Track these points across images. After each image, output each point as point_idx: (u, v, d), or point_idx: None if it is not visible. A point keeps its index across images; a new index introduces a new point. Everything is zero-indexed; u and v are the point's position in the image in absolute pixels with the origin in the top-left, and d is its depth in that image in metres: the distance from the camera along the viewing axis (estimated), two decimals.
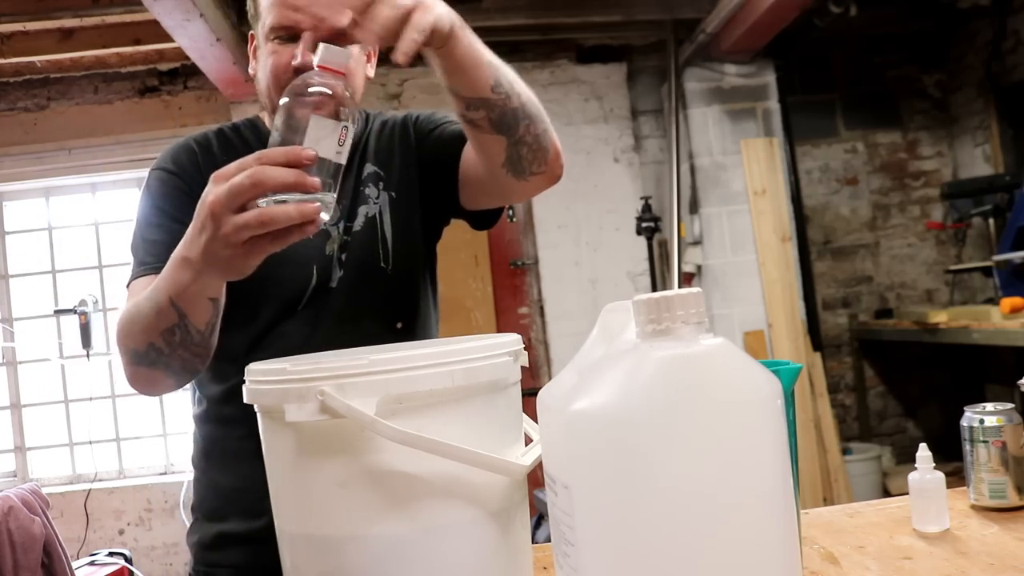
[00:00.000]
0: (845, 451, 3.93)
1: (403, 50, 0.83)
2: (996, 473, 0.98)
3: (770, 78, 4.01)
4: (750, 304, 3.90)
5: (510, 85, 0.99)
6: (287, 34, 1.06)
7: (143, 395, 1.06)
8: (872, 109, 4.54)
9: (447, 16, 0.88)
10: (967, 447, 1.01)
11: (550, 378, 1.07)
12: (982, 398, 1.00)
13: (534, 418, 0.71)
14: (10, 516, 1.69)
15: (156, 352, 0.94)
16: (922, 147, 4.62)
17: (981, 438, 0.99)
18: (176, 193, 1.12)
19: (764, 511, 0.53)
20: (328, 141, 0.79)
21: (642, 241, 3.71)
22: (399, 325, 1.18)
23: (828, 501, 3.65)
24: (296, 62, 1.04)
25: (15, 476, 4.10)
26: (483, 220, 1.26)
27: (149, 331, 0.92)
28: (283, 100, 0.80)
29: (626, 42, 4.11)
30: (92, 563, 2.91)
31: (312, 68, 0.83)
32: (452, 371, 0.71)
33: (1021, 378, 1.10)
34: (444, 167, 1.19)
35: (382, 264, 1.16)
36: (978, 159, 4.42)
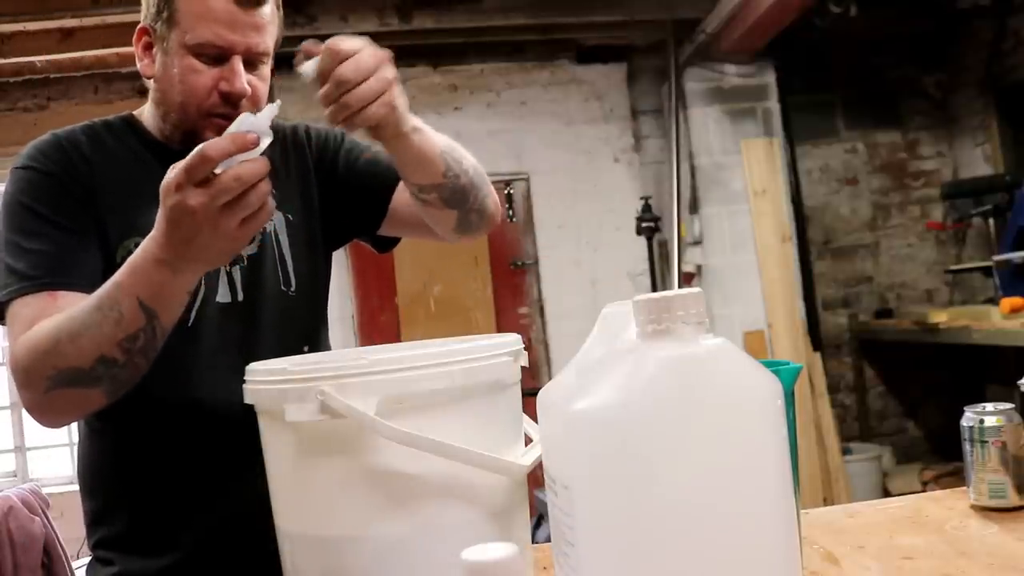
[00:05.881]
0: (845, 451, 3.93)
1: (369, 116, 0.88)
2: (996, 473, 0.98)
3: (770, 78, 4.01)
4: (750, 304, 3.89)
5: (458, 165, 1.05)
6: (215, 53, 1.00)
7: (54, 425, 0.97)
8: (872, 109, 4.53)
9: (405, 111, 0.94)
10: (967, 447, 1.01)
11: (550, 378, 1.06)
12: (982, 398, 1.00)
13: (534, 418, 0.71)
14: (10, 516, 1.69)
15: (107, 365, 0.87)
16: (922, 147, 4.61)
17: (981, 438, 0.99)
18: (56, 195, 1.00)
19: (764, 511, 0.53)
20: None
21: (642, 241, 3.71)
22: (306, 348, 1.12)
23: (828, 501, 3.65)
24: (234, 88, 1.00)
25: (15, 476, 4.09)
26: (386, 244, 1.28)
27: (102, 343, 0.86)
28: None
29: (626, 42, 4.11)
30: None
31: (245, 94, 0.99)
32: (452, 371, 0.72)
33: (1021, 378, 1.10)
34: (375, 198, 1.18)
35: (282, 287, 1.11)
36: (978, 159, 4.42)
